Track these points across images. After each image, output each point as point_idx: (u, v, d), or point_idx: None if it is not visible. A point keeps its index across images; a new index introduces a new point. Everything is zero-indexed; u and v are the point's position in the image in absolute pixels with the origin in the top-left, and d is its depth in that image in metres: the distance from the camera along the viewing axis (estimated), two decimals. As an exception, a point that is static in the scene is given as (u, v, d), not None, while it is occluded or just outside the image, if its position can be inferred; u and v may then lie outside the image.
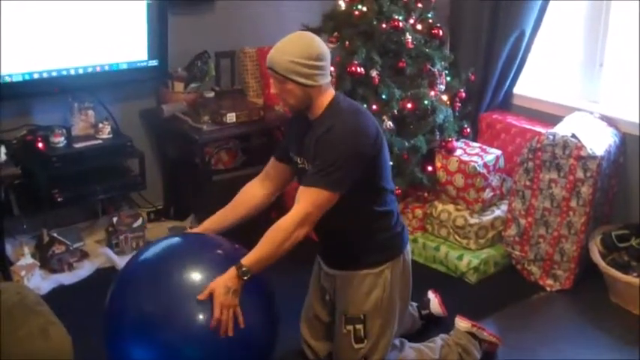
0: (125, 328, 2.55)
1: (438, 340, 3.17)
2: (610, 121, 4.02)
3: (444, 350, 3.12)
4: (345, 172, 2.57)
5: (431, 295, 3.46)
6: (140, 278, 2.62)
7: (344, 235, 2.82)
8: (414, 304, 3.36)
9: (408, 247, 2.94)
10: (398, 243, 2.87)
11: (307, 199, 2.57)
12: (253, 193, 2.93)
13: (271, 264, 2.59)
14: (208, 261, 2.63)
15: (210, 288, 2.47)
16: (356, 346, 2.84)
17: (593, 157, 3.62)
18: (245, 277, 2.50)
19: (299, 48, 2.59)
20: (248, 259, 2.53)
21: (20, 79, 3.72)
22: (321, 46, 2.65)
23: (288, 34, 2.68)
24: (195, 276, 2.53)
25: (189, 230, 3.18)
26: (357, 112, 2.71)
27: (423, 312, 3.40)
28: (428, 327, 3.40)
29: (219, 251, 2.69)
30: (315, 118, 2.69)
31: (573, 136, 3.69)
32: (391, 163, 3.90)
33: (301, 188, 2.61)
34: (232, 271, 2.50)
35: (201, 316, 2.46)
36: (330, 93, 2.70)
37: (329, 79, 2.70)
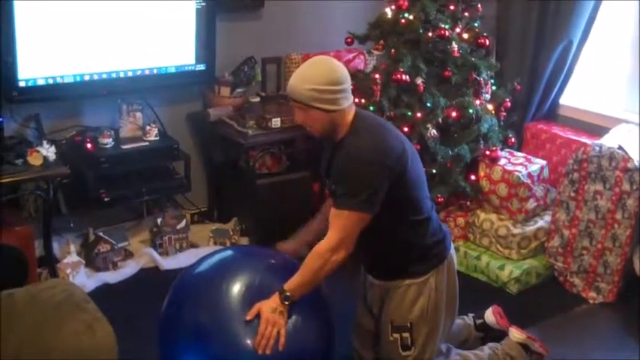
0: (180, 337, 2.58)
1: (486, 348, 3.15)
2: (658, 134, 3.98)
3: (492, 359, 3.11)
4: (373, 191, 2.55)
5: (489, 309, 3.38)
6: (197, 289, 2.64)
7: (383, 246, 2.81)
8: (471, 314, 3.35)
9: (452, 252, 2.90)
10: (440, 250, 2.83)
11: (339, 224, 2.57)
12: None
13: (314, 288, 2.62)
14: (266, 276, 2.65)
15: (257, 307, 2.51)
16: (403, 353, 2.83)
17: (640, 170, 3.58)
18: (287, 302, 2.54)
19: (319, 74, 2.56)
20: (289, 285, 2.57)
21: (71, 80, 3.79)
22: (341, 68, 2.62)
23: (310, 59, 2.65)
24: (251, 291, 2.56)
25: (280, 244, 3.15)
26: (379, 127, 2.67)
27: (478, 321, 3.33)
28: (484, 341, 3.30)
29: (275, 267, 2.72)
30: (340, 139, 2.65)
31: (620, 147, 3.65)
32: (434, 171, 3.93)
33: (333, 211, 2.60)
34: (276, 296, 2.54)
35: (254, 331, 2.49)
36: (352, 112, 2.66)
37: (351, 99, 2.66)
